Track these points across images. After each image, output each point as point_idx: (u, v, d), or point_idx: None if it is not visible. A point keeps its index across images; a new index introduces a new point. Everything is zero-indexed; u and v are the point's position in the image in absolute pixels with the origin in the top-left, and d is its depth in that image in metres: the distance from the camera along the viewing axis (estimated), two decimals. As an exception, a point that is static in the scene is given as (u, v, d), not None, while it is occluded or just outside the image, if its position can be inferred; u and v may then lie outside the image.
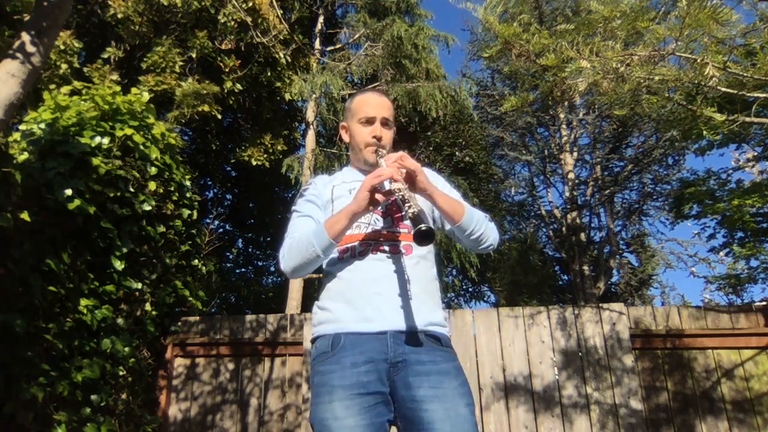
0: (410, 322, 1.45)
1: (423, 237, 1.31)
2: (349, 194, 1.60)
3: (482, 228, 1.57)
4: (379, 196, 1.45)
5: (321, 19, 10.06)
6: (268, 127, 9.14)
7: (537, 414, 3.66)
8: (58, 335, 3.12)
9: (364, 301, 1.47)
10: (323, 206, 1.66)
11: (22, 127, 3.67)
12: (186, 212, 4.34)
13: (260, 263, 13.98)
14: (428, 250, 1.60)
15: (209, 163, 10.45)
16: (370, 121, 1.66)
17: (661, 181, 11.88)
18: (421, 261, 1.56)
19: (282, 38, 8.20)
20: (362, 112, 1.67)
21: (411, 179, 1.49)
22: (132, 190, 3.76)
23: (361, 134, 1.67)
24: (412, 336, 1.45)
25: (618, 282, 13.70)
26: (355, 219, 1.48)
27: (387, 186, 1.48)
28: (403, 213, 1.44)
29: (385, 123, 1.67)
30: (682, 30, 2.47)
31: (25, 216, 2.89)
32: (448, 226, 1.63)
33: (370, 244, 1.55)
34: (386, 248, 1.54)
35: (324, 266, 1.62)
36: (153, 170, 3.97)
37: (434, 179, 1.67)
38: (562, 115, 12.51)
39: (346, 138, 1.75)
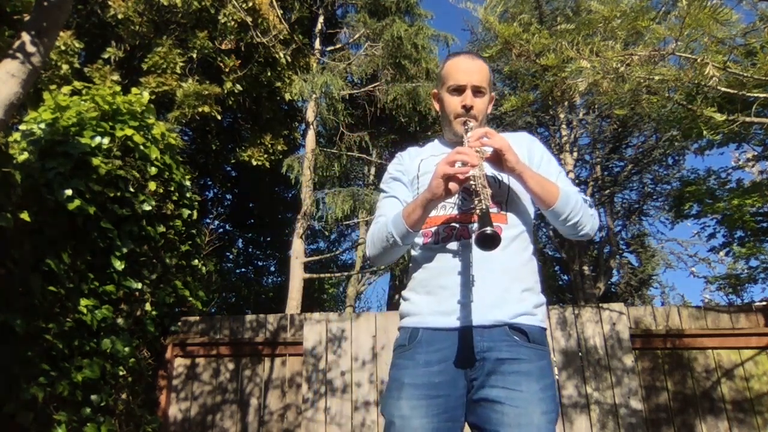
0: (493, 317, 1.33)
1: (485, 242, 1.19)
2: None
3: (579, 214, 1.41)
4: (453, 185, 1.30)
5: (321, 19, 10.06)
6: (268, 127, 9.14)
7: (537, 414, 3.65)
8: (58, 335, 3.12)
9: (444, 292, 1.38)
10: (410, 183, 1.55)
11: (22, 127, 3.67)
12: (186, 212, 4.34)
13: (260, 263, 13.99)
14: (521, 229, 1.46)
15: (209, 163, 10.45)
16: (459, 90, 1.50)
17: (661, 181, 11.87)
18: (511, 243, 1.41)
19: (282, 38, 8.20)
20: (452, 78, 1.51)
21: (497, 158, 1.37)
22: (132, 190, 3.76)
23: (450, 104, 1.51)
24: (493, 331, 1.33)
25: (618, 282, 13.69)
26: (431, 207, 1.37)
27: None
28: (473, 207, 1.29)
29: (477, 91, 1.50)
30: (682, 30, 2.47)
31: (25, 216, 2.89)
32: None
33: (454, 228, 1.42)
34: (472, 231, 1.40)
35: (411, 251, 1.54)
36: (153, 170, 3.97)
37: (529, 152, 1.54)
38: (562, 115, 12.51)
39: (436, 106, 1.61)
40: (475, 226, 1.38)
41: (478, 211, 1.24)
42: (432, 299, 1.40)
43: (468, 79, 1.49)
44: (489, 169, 1.44)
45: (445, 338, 1.35)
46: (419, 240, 1.49)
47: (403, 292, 1.52)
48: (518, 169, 1.37)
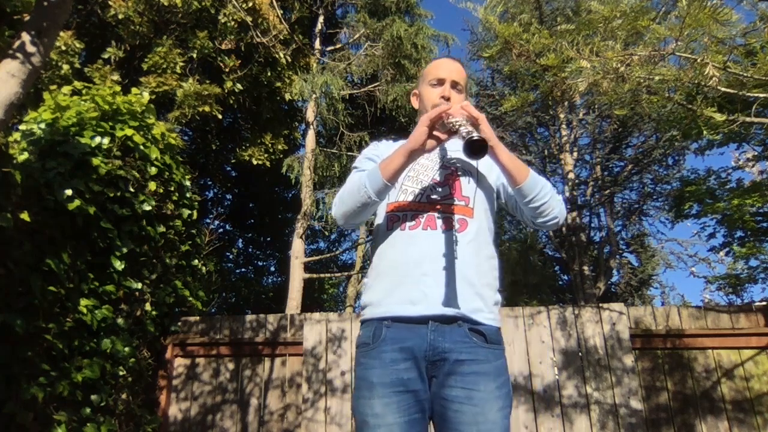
0: (455, 308, 1.37)
1: (472, 146, 1.20)
2: None
3: (546, 197, 1.43)
4: (438, 133, 1.35)
5: (321, 19, 10.06)
6: (269, 127, 9.15)
7: (537, 414, 3.66)
8: (58, 335, 3.12)
9: (409, 281, 1.40)
10: None
11: (22, 127, 3.67)
12: (186, 212, 4.34)
13: (260, 263, 14.00)
14: (486, 225, 1.50)
15: (209, 163, 10.45)
16: (440, 82, 1.57)
17: (661, 181, 11.86)
18: (476, 237, 1.45)
19: (282, 38, 8.20)
20: (433, 74, 1.59)
21: (474, 127, 1.40)
22: (132, 190, 3.76)
23: (430, 95, 1.58)
24: (453, 329, 1.37)
25: (618, 282, 13.69)
26: (412, 157, 1.39)
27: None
28: (459, 136, 1.30)
29: (455, 86, 1.57)
30: (682, 30, 2.47)
31: (25, 216, 2.89)
32: (511, 193, 1.50)
33: (422, 214, 1.45)
34: (439, 222, 1.44)
35: (373, 236, 1.56)
36: (153, 170, 3.97)
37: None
38: (562, 115, 12.51)
39: (416, 104, 1.67)
40: (439, 217, 1.43)
41: (464, 133, 1.26)
42: (395, 287, 1.42)
43: (448, 74, 1.57)
44: (461, 164, 1.52)
45: (410, 333, 1.38)
46: (384, 225, 1.51)
47: (366, 279, 1.53)
48: (493, 141, 1.38)
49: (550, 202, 1.44)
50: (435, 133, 1.36)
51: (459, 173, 1.53)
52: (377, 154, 1.62)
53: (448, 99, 1.53)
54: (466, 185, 1.51)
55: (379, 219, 1.55)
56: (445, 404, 1.33)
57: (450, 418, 1.31)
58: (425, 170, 1.54)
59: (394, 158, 1.39)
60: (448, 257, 1.40)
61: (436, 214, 1.45)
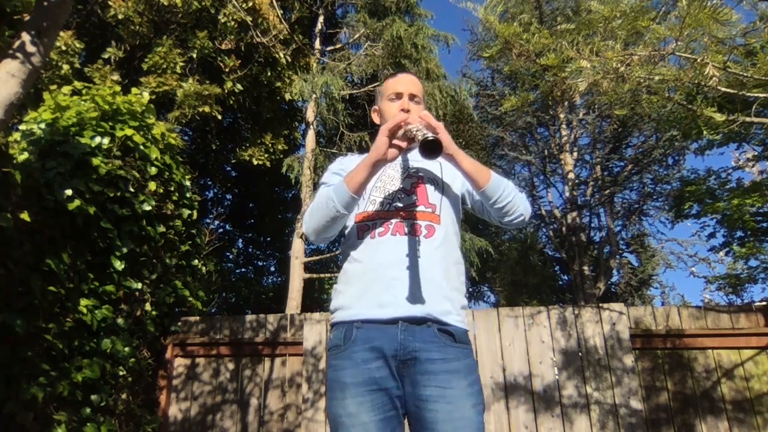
0: (427, 311, 1.40)
1: (427, 146, 1.23)
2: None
3: (510, 196, 1.48)
4: (398, 141, 1.39)
5: (321, 19, 10.06)
6: (269, 127, 9.15)
7: (537, 414, 3.66)
8: (58, 335, 3.12)
9: (379, 285, 1.43)
10: None
11: (22, 127, 3.67)
12: (186, 212, 4.34)
13: (260, 263, 13.99)
14: (452, 231, 1.54)
15: (209, 163, 10.45)
16: (398, 96, 1.62)
17: (661, 181, 11.87)
18: (443, 243, 1.49)
19: (282, 38, 8.20)
20: (391, 89, 1.65)
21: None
22: (132, 190, 3.76)
23: (389, 109, 1.63)
24: (423, 329, 1.40)
25: (618, 282, 13.69)
26: (375, 168, 1.42)
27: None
28: (416, 141, 1.35)
29: (413, 98, 1.62)
30: (682, 30, 2.47)
31: (25, 216, 2.89)
32: (476, 197, 1.56)
33: (390, 222, 1.49)
34: (407, 228, 1.48)
35: (343, 245, 1.59)
36: (153, 170, 3.97)
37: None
38: (562, 115, 12.51)
39: (377, 120, 1.71)
40: (407, 224, 1.48)
41: (420, 136, 1.29)
42: (364, 292, 1.45)
43: (406, 88, 1.63)
44: (426, 173, 1.57)
45: (380, 334, 1.40)
46: (353, 231, 1.55)
47: (336, 285, 1.56)
48: (452, 150, 1.42)
49: (513, 201, 1.48)
50: (395, 142, 1.39)
51: (425, 181, 1.57)
52: (343, 168, 1.64)
53: (407, 111, 1.57)
54: (432, 193, 1.55)
55: (349, 229, 1.58)
56: (419, 404, 1.35)
57: (425, 417, 1.33)
58: (392, 180, 1.58)
59: (358, 170, 1.42)
60: (417, 261, 1.44)
61: (403, 221, 1.49)
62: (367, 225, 1.52)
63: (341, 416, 1.36)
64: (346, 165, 1.65)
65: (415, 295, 1.41)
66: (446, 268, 1.48)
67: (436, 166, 1.61)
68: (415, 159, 1.63)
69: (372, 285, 1.44)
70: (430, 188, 1.56)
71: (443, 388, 1.34)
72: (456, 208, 1.60)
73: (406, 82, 1.65)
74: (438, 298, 1.42)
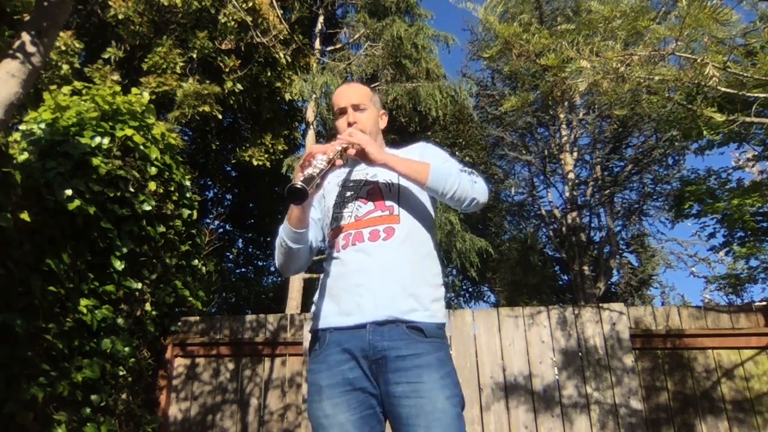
0: (387, 313, 1.43)
1: (290, 193, 1.31)
2: (337, 187, 1.65)
3: (455, 186, 1.51)
4: (299, 173, 1.43)
5: (321, 19, 10.06)
6: (269, 127, 9.15)
7: (537, 414, 3.66)
8: (58, 335, 3.12)
9: (345, 294, 1.48)
10: (318, 201, 1.67)
11: (22, 127, 3.67)
12: (186, 212, 4.34)
13: (260, 263, 13.98)
14: (417, 226, 1.57)
15: (209, 163, 10.45)
16: (342, 112, 1.66)
17: (661, 181, 11.87)
18: (405, 240, 1.52)
19: (282, 38, 8.20)
20: (336, 105, 1.69)
21: (362, 154, 1.50)
22: (132, 190, 3.76)
23: (340, 125, 1.67)
24: (391, 329, 1.42)
25: (618, 282, 13.70)
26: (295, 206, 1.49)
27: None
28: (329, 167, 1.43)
29: (356, 108, 1.65)
30: (682, 30, 2.47)
31: (25, 216, 2.89)
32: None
33: (350, 234, 1.54)
34: (366, 235, 1.52)
35: (324, 265, 1.64)
36: (153, 170, 3.97)
37: (421, 155, 1.65)
38: (562, 115, 12.51)
39: (336, 132, 1.76)
40: (366, 231, 1.53)
41: (301, 178, 1.35)
42: (333, 302, 1.51)
43: (347, 100, 1.66)
44: (383, 175, 1.60)
45: (349, 337, 1.44)
46: (327, 251, 1.63)
47: (314, 299, 1.63)
48: (381, 159, 1.50)
49: (459, 189, 1.51)
50: (298, 174, 1.42)
51: (380, 185, 1.60)
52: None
53: (353, 123, 1.62)
54: (388, 194, 1.58)
55: (328, 247, 1.65)
56: (394, 401, 1.37)
57: (400, 414, 1.36)
58: (350, 193, 1.63)
59: (291, 209, 1.50)
60: (376, 266, 1.47)
61: (362, 230, 1.53)
62: (333, 242, 1.58)
63: (320, 417, 1.41)
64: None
65: (377, 299, 1.44)
66: (413, 265, 1.50)
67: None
68: (363, 166, 1.65)
69: (339, 294, 1.50)
70: (385, 190, 1.59)
71: (414, 383, 1.36)
72: (420, 198, 1.62)
73: (345, 95, 1.68)
74: (402, 298, 1.45)
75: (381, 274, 1.47)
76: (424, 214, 1.61)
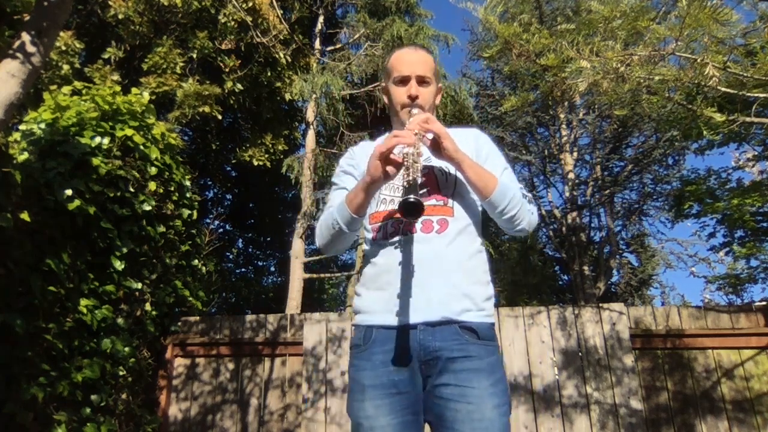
0: (440, 313, 1.35)
1: (408, 209, 1.18)
2: None
3: (516, 208, 1.42)
4: (390, 168, 1.32)
5: (321, 19, 10.06)
6: (269, 127, 9.15)
7: (537, 414, 3.66)
8: (58, 335, 3.12)
9: (393, 289, 1.39)
10: (360, 176, 1.53)
11: (22, 127, 3.67)
12: (186, 212, 4.34)
13: (260, 263, 14.00)
14: (468, 221, 1.46)
15: (209, 163, 10.46)
16: (404, 81, 1.52)
17: (661, 181, 11.86)
18: (458, 236, 1.42)
19: (282, 38, 8.20)
20: (396, 71, 1.54)
21: (436, 145, 1.39)
22: (132, 190, 3.76)
23: (396, 95, 1.54)
24: (443, 329, 1.35)
25: (618, 282, 13.68)
26: (372, 190, 1.37)
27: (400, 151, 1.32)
28: (402, 182, 1.29)
29: (421, 81, 1.52)
30: (682, 30, 2.47)
31: (25, 216, 2.89)
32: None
33: (400, 220, 1.43)
34: (418, 226, 1.41)
35: (364, 246, 1.55)
36: (153, 170, 3.97)
37: (477, 146, 1.55)
38: (562, 115, 12.50)
39: (386, 100, 1.64)
40: (424, 193, 1.39)
41: (405, 183, 1.25)
42: (381, 296, 1.42)
43: (412, 69, 1.52)
44: (437, 161, 1.46)
45: (398, 336, 1.37)
46: (369, 235, 1.51)
47: (356, 287, 1.54)
48: (456, 158, 1.38)
49: (518, 213, 1.43)
50: (387, 168, 1.32)
51: (436, 171, 1.49)
52: (353, 165, 1.60)
53: (415, 98, 1.50)
54: (444, 183, 1.48)
55: (366, 230, 1.55)
56: (440, 402, 1.32)
57: (445, 416, 1.30)
58: (401, 175, 1.50)
59: (357, 193, 1.39)
60: (429, 261, 1.39)
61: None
62: (379, 226, 1.47)
63: (360, 417, 1.35)
64: (357, 159, 1.60)
65: (430, 299, 1.36)
66: (464, 262, 1.41)
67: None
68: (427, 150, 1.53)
69: (385, 288, 1.41)
70: (441, 178, 1.48)
71: (463, 387, 1.30)
72: (474, 194, 1.52)
73: (412, 62, 1.53)
74: (455, 299, 1.37)
75: (434, 270, 1.38)
76: (476, 210, 1.52)
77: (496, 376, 1.34)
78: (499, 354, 1.42)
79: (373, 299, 1.44)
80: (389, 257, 1.43)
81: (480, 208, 1.53)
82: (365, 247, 1.53)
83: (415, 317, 1.36)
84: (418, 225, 1.41)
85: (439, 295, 1.36)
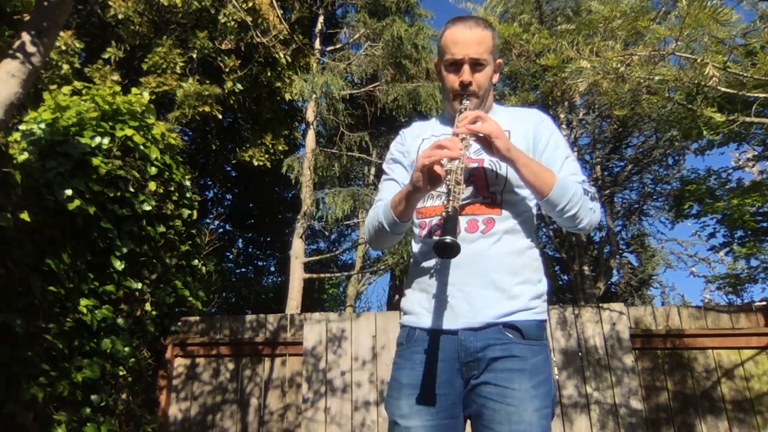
0: (483, 318, 1.31)
1: (442, 249, 1.14)
2: None
3: (576, 207, 1.33)
4: (435, 178, 1.25)
5: (321, 19, 10.06)
6: (269, 127, 9.15)
7: (537, 414, 3.65)
8: (58, 335, 3.12)
9: (437, 292, 1.36)
10: (410, 165, 1.49)
11: (22, 127, 3.67)
12: (186, 212, 4.34)
13: (260, 263, 13.99)
14: (517, 220, 1.38)
15: (209, 163, 10.45)
16: (456, 64, 1.40)
17: (661, 181, 11.86)
18: (504, 236, 1.35)
19: (282, 38, 8.19)
20: (449, 52, 1.41)
21: (486, 143, 1.30)
22: (132, 190, 3.76)
23: (448, 80, 1.44)
24: (486, 331, 1.31)
25: (618, 282, 13.68)
26: (415, 199, 1.33)
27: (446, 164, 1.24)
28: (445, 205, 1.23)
29: (475, 63, 1.40)
30: (682, 30, 2.47)
31: (25, 216, 2.89)
32: None
33: None
34: (463, 225, 1.34)
35: (412, 243, 1.50)
36: (153, 170, 3.97)
37: (534, 133, 1.45)
38: (562, 115, 12.50)
39: (440, 78, 1.51)
40: (463, 220, 1.34)
41: (443, 213, 1.21)
42: (424, 298, 1.39)
43: (465, 52, 1.39)
44: (487, 156, 1.39)
45: (439, 340, 1.35)
46: (416, 230, 1.47)
47: (405, 286, 1.52)
48: (509, 157, 1.29)
49: (579, 212, 1.35)
50: (430, 182, 1.26)
51: (485, 165, 1.40)
52: (403, 152, 1.55)
53: (468, 84, 1.40)
54: (494, 179, 1.39)
55: (413, 224, 1.50)
56: (480, 401, 1.29)
57: (484, 416, 1.27)
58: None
59: (401, 199, 1.34)
60: (473, 264, 1.33)
61: (460, 218, 1.32)
62: (425, 222, 1.42)
63: (395, 415, 1.33)
64: (408, 145, 1.55)
65: (473, 305, 1.32)
66: (512, 262, 1.35)
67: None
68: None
69: (429, 291, 1.38)
70: (491, 175, 1.39)
71: (504, 388, 1.26)
72: (526, 190, 1.44)
73: (465, 42, 1.39)
74: (499, 302, 1.32)
75: (477, 274, 1.33)
76: (527, 207, 1.44)
77: (540, 378, 1.29)
78: (548, 353, 1.35)
79: (416, 300, 1.41)
80: (432, 258, 1.38)
81: (533, 205, 1.46)
82: (413, 244, 1.49)
83: (457, 323, 1.33)
84: (462, 225, 1.34)
85: (481, 301, 1.32)
